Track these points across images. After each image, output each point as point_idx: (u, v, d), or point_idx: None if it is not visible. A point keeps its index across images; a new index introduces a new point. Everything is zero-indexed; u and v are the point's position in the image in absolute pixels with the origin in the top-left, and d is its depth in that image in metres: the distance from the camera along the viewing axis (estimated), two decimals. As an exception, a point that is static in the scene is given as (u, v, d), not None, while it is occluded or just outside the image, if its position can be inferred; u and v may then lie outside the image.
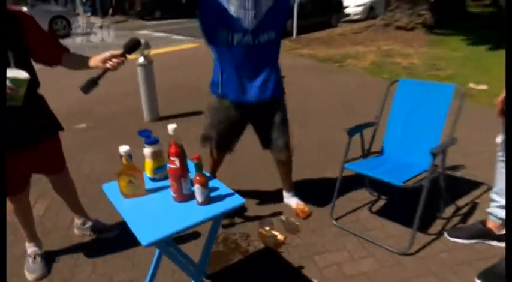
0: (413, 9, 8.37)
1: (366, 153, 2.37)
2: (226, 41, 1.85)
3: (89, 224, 2.20)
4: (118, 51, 1.53)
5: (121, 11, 18.34)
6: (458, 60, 6.60)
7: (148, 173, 1.46)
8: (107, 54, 1.54)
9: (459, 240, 2.01)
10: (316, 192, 2.56)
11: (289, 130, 2.19)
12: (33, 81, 1.64)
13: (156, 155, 1.44)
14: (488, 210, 1.98)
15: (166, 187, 1.40)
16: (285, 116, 2.15)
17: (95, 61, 1.58)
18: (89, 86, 1.49)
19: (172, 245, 1.64)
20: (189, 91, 5.18)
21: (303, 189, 2.51)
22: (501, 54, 7.16)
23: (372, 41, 8.25)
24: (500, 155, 1.83)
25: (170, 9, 16.27)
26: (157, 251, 1.63)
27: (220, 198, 1.34)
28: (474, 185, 2.57)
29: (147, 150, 1.43)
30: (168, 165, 1.29)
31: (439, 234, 2.08)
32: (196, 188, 1.27)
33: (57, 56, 1.73)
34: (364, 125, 2.32)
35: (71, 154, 2.97)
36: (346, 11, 14.46)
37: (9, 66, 1.51)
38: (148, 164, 1.45)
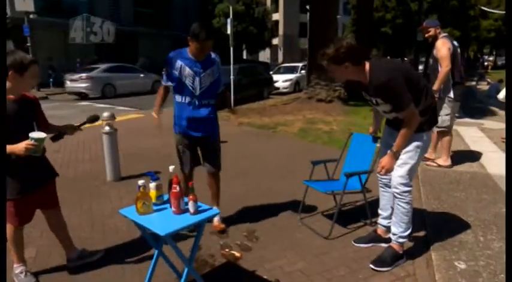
0: (330, 86, 10.19)
1: (328, 178, 3.44)
2: (181, 99, 3.00)
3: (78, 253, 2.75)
4: (76, 124, 2.57)
5: (57, 82, 18.81)
6: (369, 125, 8.16)
7: (153, 199, 2.18)
8: (68, 124, 2.56)
9: (361, 245, 2.90)
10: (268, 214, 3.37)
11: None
12: None
13: (158, 187, 2.18)
14: (378, 221, 2.94)
15: (166, 208, 2.13)
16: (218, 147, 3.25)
17: (60, 128, 2.54)
18: (57, 138, 2.45)
19: (171, 242, 2.30)
20: (145, 154, 5.86)
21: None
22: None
23: (299, 111, 9.75)
24: (381, 179, 2.81)
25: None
26: (154, 258, 2.28)
27: (203, 210, 2.10)
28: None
29: (152, 184, 2.16)
30: (172, 190, 2.04)
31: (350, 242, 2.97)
32: (190, 203, 2.03)
33: (46, 127, 2.49)
34: (326, 160, 3.44)
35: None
36: (276, 84, 16.47)
37: (33, 130, 2.22)
38: (153, 193, 2.17)
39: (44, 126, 2.48)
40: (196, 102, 2.99)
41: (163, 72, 3.04)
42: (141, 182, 2.04)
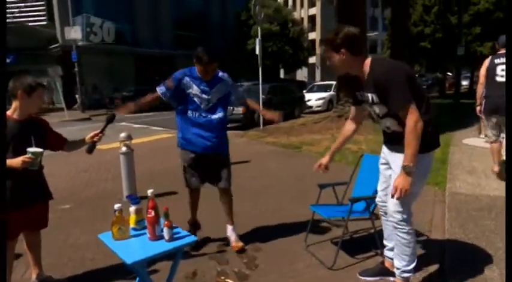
0: (360, 103, 9.85)
1: (338, 203, 3.24)
2: (189, 114, 3.02)
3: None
4: (98, 131, 2.57)
5: (100, 104, 19.90)
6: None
7: (132, 224, 2.12)
8: (91, 133, 2.56)
9: (368, 278, 2.64)
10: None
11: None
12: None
13: (137, 212, 2.11)
14: (384, 252, 2.67)
15: (144, 233, 2.05)
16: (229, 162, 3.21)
17: (87, 139, 2.58)
18: (91, 149, 2.53)
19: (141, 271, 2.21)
20: (163, 174, 5.90)
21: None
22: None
23: (327, 130, 9.48)
24: (381, 206, 2.57)
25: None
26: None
27: (180, 237, 2.00)
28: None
29: (132, 208, 2.11)
30: (147, 215, 1.97)
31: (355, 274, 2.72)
32: (165, 230, 1.94)
33: (61, 144, 2.65)
34: (334, 183, 3.22)
35: (58, 229, 3.58)
36: (309, 103, 16.27)
37: (31, 146, 2.31)
38: (132, 218, 2.11)
39: (59, 144, 2.63)
40: (204, 117, 3.02)
41: (163, 83, 3.09)
42: (117, 205, 1.99)
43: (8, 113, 2.37)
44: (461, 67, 20.75)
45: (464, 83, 26.97)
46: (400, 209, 2.23)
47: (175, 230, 2.01)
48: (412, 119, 2.06)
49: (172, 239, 1.96)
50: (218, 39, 29.49)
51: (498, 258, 2.78)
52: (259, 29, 10.70)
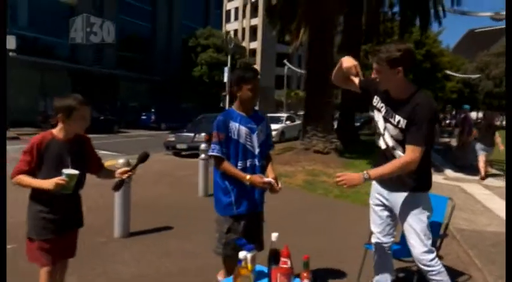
0: (326, 137, 10.14)
1: None
2: (242, 165, 2.45)
3: None
4: (128, 168, 2.37)
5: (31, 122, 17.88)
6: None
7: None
8: (122, 169, 2.34)
9: None
10: None
11: None
12: (80, 181, 2.20)
13: (253, 260, 1.76)
14: None
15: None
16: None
17: (116, 174, 2.33)
18: (119, 186, 2.31)
19: None
20: (156, 204, 5.30)
21: None
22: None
23: (296, 162, 9.52)
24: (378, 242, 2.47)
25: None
26: None
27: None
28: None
29: (249, 256, 1.74)
30: (280, 265, 1.64)
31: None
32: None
33: (97, 168, 2.43)
34: None
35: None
36: (263, 134, 16.31)
37: (67, 168, 2.10)
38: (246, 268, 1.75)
39: (96, 168, 2.44)
40: (257, 164, 2.48)
41: (214, 142, 2.44)
42: (242, 254, 1.64)
43: (54, 131, 2.23)
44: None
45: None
46: (426, 249, 2.16)
47: None
48: (412, 157, 2.05)
49: (309, 293, 1.65)
50: (162, 64, 28.88)
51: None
52: (229, 57, 10.65)
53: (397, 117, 2.14)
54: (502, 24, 19.95)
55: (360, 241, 3.95)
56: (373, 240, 2.49)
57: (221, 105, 31.26)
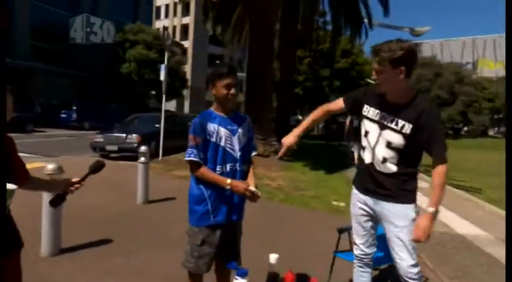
0: (266, 140, 10.11)
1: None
2: (221, 169, 2.17)
3: None
4: (77, 179, 1.85)
5: None
6: (312, 182, 8.14)
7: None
8: (66, 180, 1.85)
9: None
10: None
11: None
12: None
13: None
14: None
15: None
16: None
17: (59, 186, 1.86)
18: (59, 200, 1.79)
19: None
20: (89, 215, 4.65)
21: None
22: (338, 176, 9.22)
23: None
24: (362, 258, 2.37)
25: None
26: None
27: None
28: None
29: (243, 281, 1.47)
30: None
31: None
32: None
33: (23, 177, 1.74)
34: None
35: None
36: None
37: None
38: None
39: (21, 175, 1.72)
40: (238, 169, 2.22)
41: (190, 146, 2.16)
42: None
43: None
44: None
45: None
46: (414, 262, 2.10)
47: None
48: (446, 165, 2.02)
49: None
50: (87, 58, 26.71)
51: None
52: (166, 54, 10.04)
53: (401, 122, 2.02)
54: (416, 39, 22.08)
55: (317, 248, 3.89)
56: (356, 252, 2.35)
57: (150, 105, 29.91)
